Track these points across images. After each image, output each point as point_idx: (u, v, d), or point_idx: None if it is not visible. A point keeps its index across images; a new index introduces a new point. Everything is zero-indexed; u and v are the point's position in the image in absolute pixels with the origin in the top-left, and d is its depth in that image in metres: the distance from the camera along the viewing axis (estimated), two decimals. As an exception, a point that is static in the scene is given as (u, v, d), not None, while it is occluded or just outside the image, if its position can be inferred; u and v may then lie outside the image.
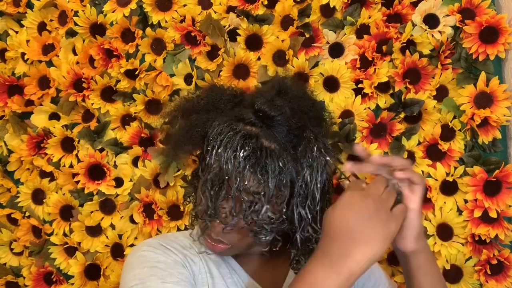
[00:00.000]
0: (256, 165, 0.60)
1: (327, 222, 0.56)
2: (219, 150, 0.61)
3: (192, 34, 0.97)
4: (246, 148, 0.61)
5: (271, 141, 0.62)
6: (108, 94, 1.01)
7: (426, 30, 0.91)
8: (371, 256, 0.53)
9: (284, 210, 0.63)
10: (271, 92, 0.69)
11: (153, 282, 0.61)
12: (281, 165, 0.61)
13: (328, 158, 0.65)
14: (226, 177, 0.61)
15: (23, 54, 1.04)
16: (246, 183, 0.61)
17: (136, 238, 1.02)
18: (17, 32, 1.05)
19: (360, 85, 0.94)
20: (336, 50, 0.96)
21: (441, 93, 0.92)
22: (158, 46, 0.99)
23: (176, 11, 0.98)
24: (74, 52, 1.03)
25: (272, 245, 0.65)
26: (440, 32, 0.91)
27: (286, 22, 0.96)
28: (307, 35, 0.95)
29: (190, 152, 0.71)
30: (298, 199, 0.64)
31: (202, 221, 0.66)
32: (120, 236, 1.03)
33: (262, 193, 0.61)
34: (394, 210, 0.57)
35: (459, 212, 0.92)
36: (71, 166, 1.03)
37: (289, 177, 0.62)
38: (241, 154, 0.60)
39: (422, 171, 0.93)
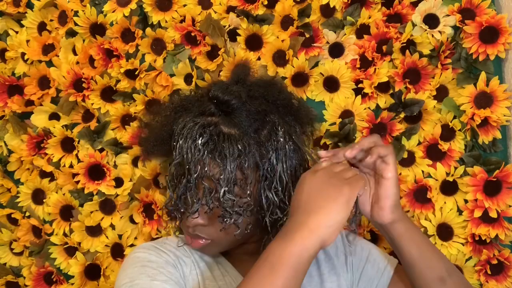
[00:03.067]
0: (214, 150, 0.62)
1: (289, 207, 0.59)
2: (181, 142, 0.63)
3: (192, 34, 0.97)
4: (204, 135, 0.62)
5: (230, 127, 0.64)
6: (108, 94, 1.01)
7: (426, 30, 0.91)
8: (327, 221, 0.54)
9: (249, 192, 0.64)
10: (229, 82, 0.71)
11: (142, 280, 0.62)
12: (240, 147, 0.62)
13: (291, 142, 0.66)
14: (187, 166, 0.63)
15: (23, 54, 1.04)
16: (206, 169, 0.62)
17: (136, 238, 1.02)
18: (17, 32, 1.05)
19: (360, 85, 0.94)
20: (336, 50, 0.95)
21: (441, 93, 0.92)
22: (158, 46, 0.99)
23: (176, 11, 0.98)
24: (74, 52, 1.03)
25: (242, 228, 0.65)
26: (440, 32, 0.91)
27: (286, 22, 0.96)
28: (307, 35, 0.95)
29: (164, 154, 0.72)
30: (265, 182, 0.64)
31: (171, 214, 0.67)
32: (120, 236, 1.03)
33: (222, 177, 0.62)
34: (349, 177, 0.59)
35: (459, 212, 0.92)
36: (71, 166, 1.03)
37: (252, 160, 0.63)
38: (200, 142, 0.62)
39: (422, 171, 0.93)
